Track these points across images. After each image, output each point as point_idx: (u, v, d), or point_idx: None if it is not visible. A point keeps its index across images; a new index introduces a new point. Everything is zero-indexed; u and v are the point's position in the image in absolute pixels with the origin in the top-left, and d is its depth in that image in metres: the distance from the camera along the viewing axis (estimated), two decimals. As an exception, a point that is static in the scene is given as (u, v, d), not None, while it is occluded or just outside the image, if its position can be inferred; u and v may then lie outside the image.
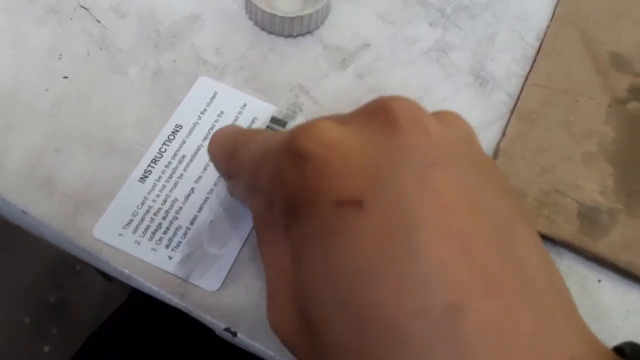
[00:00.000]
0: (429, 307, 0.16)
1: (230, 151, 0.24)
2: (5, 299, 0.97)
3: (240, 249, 0.29)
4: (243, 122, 0.32)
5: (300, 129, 0.19)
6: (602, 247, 0.30)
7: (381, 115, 0.19)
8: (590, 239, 0.30)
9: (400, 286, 0.16)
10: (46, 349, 0.96)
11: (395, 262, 0.16)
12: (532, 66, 0.36)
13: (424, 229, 0.17)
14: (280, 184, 0.20)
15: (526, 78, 0.36)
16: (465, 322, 0.15)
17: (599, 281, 0.30)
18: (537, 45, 0.37)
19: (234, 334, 0.27)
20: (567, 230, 0.30)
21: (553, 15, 0.38)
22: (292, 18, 0.34)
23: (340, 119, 0.20)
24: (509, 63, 0.36)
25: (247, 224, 0.29)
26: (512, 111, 0.34)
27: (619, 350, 0.18)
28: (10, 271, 0.98)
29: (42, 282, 1.00)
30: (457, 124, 0.21)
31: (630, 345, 0.18)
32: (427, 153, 0.18)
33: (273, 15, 0.34)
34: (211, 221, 0.29)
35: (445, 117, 0.21)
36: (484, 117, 0.34)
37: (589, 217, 0.31)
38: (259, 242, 0.22)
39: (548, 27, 0.38)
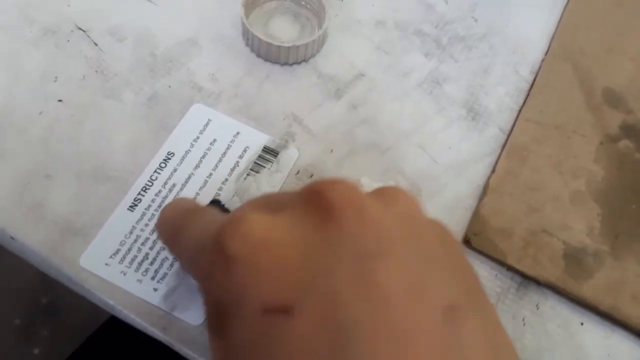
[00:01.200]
0: None
1: (173, 232, 0.23)
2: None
3: (226, 283, 0.29)
4: (235, 151, 0.33)
5: (228, 225, 0.18)
6: (586, 290, 0.30)
7: (316, 201, 0.18)
8: (575, 282, 0.30)
9: None
10: (36, 351, 0.95)
11: None
12: (525, 100, 0.36)
13: (360, 329, 0.15)
14: (209, 287, 0.19)
15: (519, 112, 0.36)
16: None
17: (582, 324, 0.30)
18: (531, 78, 0.37)
19: (216, 368, 0.27)
20: (551, 271, 0.30)
21: (548, 49, 0.38)
22: (289, 47, 0.34)
23: (273, 204, 0.19)
24: (502, 96, 0.36)
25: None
26: (503, 147, 0.34)
27: None
28: (2, 272, 0.98)
29: (34, 283, 0.99)
30: (399, 201, 0.20)
31: None
32: (363, 243, 0.17)
33: (269, 44, 0.34)
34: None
35: (385, 196, 0.20)
36: (474, 151, 0.34)
37: (574, 258, 0.31)
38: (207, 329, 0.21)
39: (543, 60, 0.38)
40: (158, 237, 0.25)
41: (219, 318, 0.18)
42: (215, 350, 0.19)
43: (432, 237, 0.19)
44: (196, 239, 0.21)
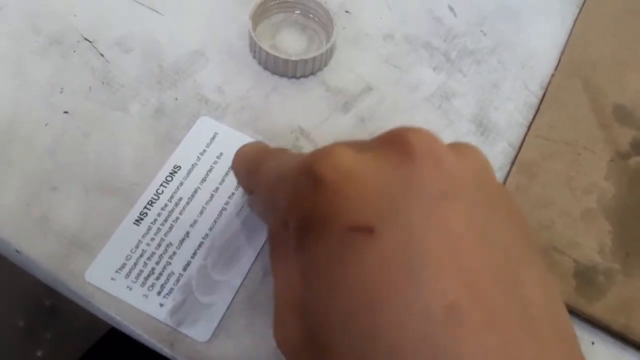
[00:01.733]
0: (429, 336, 0.16)
1: (253, 166, 0.25)
2: (0, 302, 0.97)
3: (232, 299, 0.28)
4: (241, 165, 0.32)
5: (318, 153, 0.20)
6: (597, 309, 0.30)
7: (397, 145, 0.20)
8: (586, 300, 0.30)
9: (403, 313, 0.16)
10: (39, 353, 0.95)
11: (401, 290, 0.17)
12: (534, 116, 0.36)
13: (431, 261, 0.17)
14: (296, 205, 0.21)
15: (528, 128, 0.35)
16: (464, 355, 0.16)
17: (593, 343, 0.30)
18: (540, 94, 0.37)
19: (222, 387, 0.27)
20: (562, 290, 0.30)
21: (559, 63, 0.38)
22: (296, 61, 0.34)
23: (358, 146, 0.21)
24: (512, 111, 0.36)
25: (239, 274, 0.29)
26: (513, 162, 0.34)
27: None
28: (5, 274, 0.97)
29: (37, 286, 0.98)
30: (474, 157, 0.22)
31: None
32: (439, 185, 0.19)
33: (277, 58, 0.34)
34: (203, 266, 0.29)
35: (461, 150, 0.21)
36: (484, 167, 0.34)
37: (585, 277, 0.30)
38: (271, 257, 0.23)
39: (553, 75, 0.38)
40: (234, 172, 0.27)
41: (302, 233, 0.20)
42: (292, 266, 0.21)
43: (498, 193, 0.21)
44: (276, 170, 0.23)
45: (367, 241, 0.18)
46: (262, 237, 0.30)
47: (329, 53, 0.35)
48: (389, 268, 0.17)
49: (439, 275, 0.17)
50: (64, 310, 0.99)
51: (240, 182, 0.28)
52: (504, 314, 0.17)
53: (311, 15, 0.37)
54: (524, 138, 0.35)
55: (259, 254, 0.30)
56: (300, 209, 0.20)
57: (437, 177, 0.19)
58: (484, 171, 0.22)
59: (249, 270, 0.29)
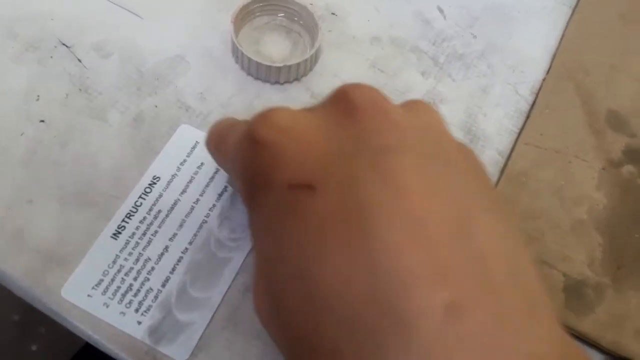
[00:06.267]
0: (376, 291, 0.16)
1: (220, 139, 0.25)
2: (-6, 295, 0.96)
3: (212, 317, 0.28)
4: (223, 175, 0.31)
5: (258, 116, 0.20)
6: (586, 325, 0.29)
7: (340, 100, 0.20)
8: (575, 316, 0.29)
9: (349, 268, 0.16)
10: (34, 347, 0.95)
11: (346, 244, 0.16)
12: (525, 122, 0.35)
13: (376, 212, 0.16)
14: (243, 169, 0.21)
15: (518, 135, 0.35)
16: (412, 310, 0.15)
17: None
18: (531, 99, 0.36)
19: (201, 408, 0.26)
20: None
21: (550, 67, 0.37)
22: (280, 67, 0.33)
23: (305, 109, 0.21)
24: (501, 118, 0.35)
25: (219, 291, 0.28)
26: (502, 171, 0.33)
27: None
28: (-1, 269, 0.97)
29: (32, 281, 0.99)
30: (424, 112, 0.21)
31: None
32: (382, 138, 0.18)
33: (259, 64, 0.33)
34: (182, 282, 0.28)
35: (411, 106, 0.21)
36: (472, 176, 0.33)
37: (575, 291, 0.30)
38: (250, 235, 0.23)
39: (544, 80, 0.37)
40: (208, 151, 0.27)
41: (251, 194, 0.20)
42: (250, 225, 0.21)
43: (453, 147, 0.20)
44: (235, 141, 0.23)
45: (308, 197, 0.18)
46: (243, 252, 0.29)
47: (314, 58, 0.35)
48: (331, 223, 0.17)
49: (385, 227, 0.16)
50: (58, 305, 0.98)
51: (214, 159, 0.27)
52: (454, 267, 0.16)
53: (295, 19, 0.36)
54: (514, 146, 0.34)
55: (240, 268, 0.29)
56: (247, 172, 0.21)
57: (380, 131, 0.18)
58: (437, 125, 0.21)
59: (229, 287, 0.28)
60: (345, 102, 0.19)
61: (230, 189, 0.31)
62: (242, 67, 0.35)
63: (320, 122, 0.20)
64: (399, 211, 0.16)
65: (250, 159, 0.20)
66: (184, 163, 0.32)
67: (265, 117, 0.20)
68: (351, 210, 0.17)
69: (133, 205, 0.30)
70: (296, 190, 0.18)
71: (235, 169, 0.22)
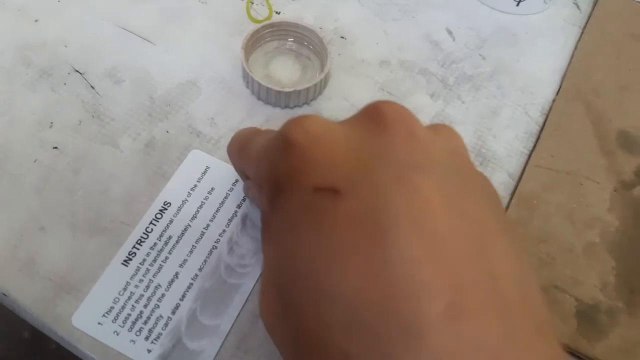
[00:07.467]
0: (390, 299, 0.16)
1: (243, 144, 0.26)
2: (5, 312, 0.97)
3: (221, 345, 0.28)
4: (233, 200, 0.32)
5: (292, 121, 0.21)
6: (599, 351, 0.29)
7: (372, 115, 0.20)
8: (587, 342, 0.29)
9: (365, 274, 0.16)
10: (44, 364, 0.96)
11: (365, 250, 0.17)
12: (535, 144, 0.35)
13: (398, 225, 0.17)
14: (270, 170, 0.21)
15: (529, 157, 0.34)
16: (423, 318, 0.16)
17: (595, 387, 0.29)
18: (541, 120, 0.36)
19: None
20: (563, 331, 0.29)
21: (560, 88, 0.37)
22: (289, 92, 0.33)
23: (338, 122, 0.21)
24: (511, 140, 0.35)
25: (229, 318, 0.28)
26: (512, 194, 0.33)
27: None
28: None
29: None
30: (449, 136, 0.22)
31: None
32: (410, 155, 0.19)
33: (269, 89, 0.33)
34: (192, 309, 0.28)
35: (437, 128, 0.22)
36: (482, 199, 0.33)
37: (587, 316, 0.29)
38: (262, 240, 0.24)
39: (554, 101, 0.36)
40: (229, 155, 0.28)
41: (274, 194, 0.21)
42: (268, 224, 0.21)
43: (474, 173, 0.21)
44: (261, 145, 0.23)
45: (332, 202, 0.18)
46: (253, 279, 0.29)
47: (323, 83, 0.35)
48: (353, 229, 0.17)
49: (405, 240, 0.17)
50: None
51: (234, 163, 0.28)
52: (469, 284, 0.16)
53: (305, 43, 0.36)
54: (524, 168, 0.34)
55: (249, 295, 0.29)
56: (274, 174, 0.21)
57: (409, 148, 0.19)
58: (458, 151, 0.22)
59: (239, 314, 0.28)
60: (377, 117, 0.20)
61: (240, 213, 0.31)
62: (253, 92, 0.35)
63: (351, 133, 0.20)
64: (421, 226, 0.17)
65: (280, 160, 0.21)
66: (195, 188, 0.32)
67: (299, 121, 0.21)
68: (374, 219, 0.17)
69: (144, 231, 0.30)
70: (321, 193, 0.18)
71: (260, 170, 0.23)
